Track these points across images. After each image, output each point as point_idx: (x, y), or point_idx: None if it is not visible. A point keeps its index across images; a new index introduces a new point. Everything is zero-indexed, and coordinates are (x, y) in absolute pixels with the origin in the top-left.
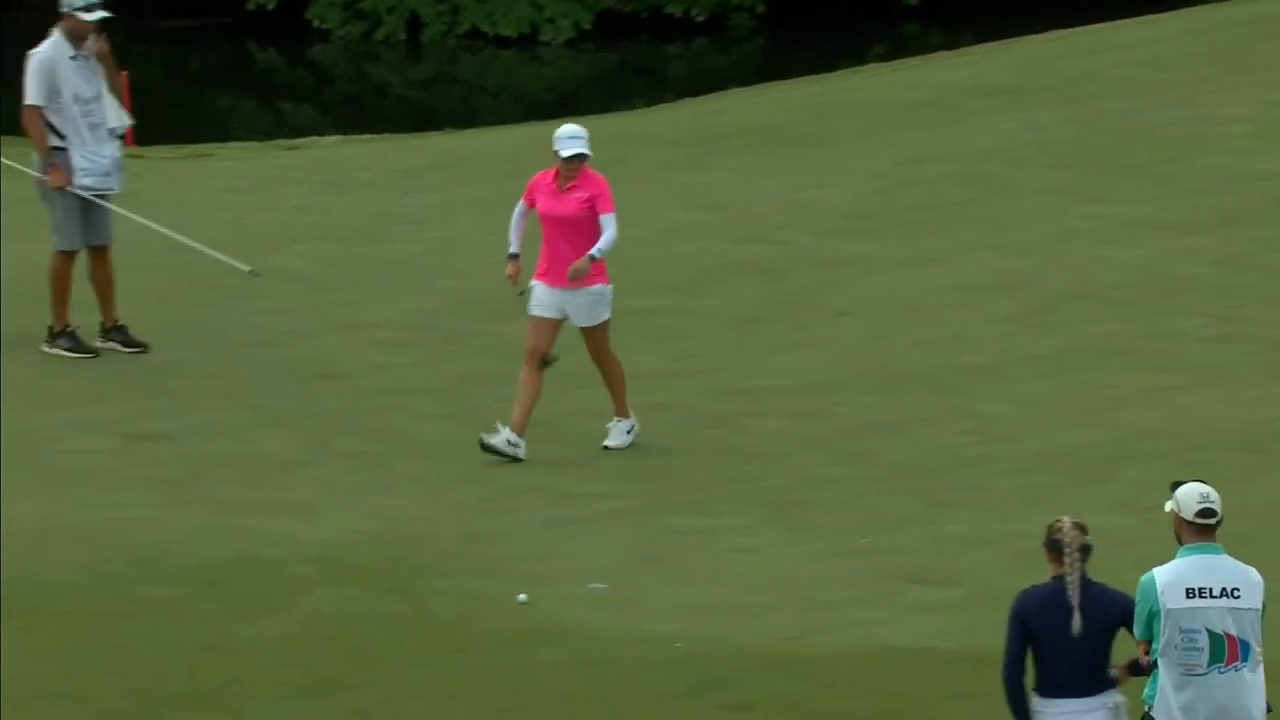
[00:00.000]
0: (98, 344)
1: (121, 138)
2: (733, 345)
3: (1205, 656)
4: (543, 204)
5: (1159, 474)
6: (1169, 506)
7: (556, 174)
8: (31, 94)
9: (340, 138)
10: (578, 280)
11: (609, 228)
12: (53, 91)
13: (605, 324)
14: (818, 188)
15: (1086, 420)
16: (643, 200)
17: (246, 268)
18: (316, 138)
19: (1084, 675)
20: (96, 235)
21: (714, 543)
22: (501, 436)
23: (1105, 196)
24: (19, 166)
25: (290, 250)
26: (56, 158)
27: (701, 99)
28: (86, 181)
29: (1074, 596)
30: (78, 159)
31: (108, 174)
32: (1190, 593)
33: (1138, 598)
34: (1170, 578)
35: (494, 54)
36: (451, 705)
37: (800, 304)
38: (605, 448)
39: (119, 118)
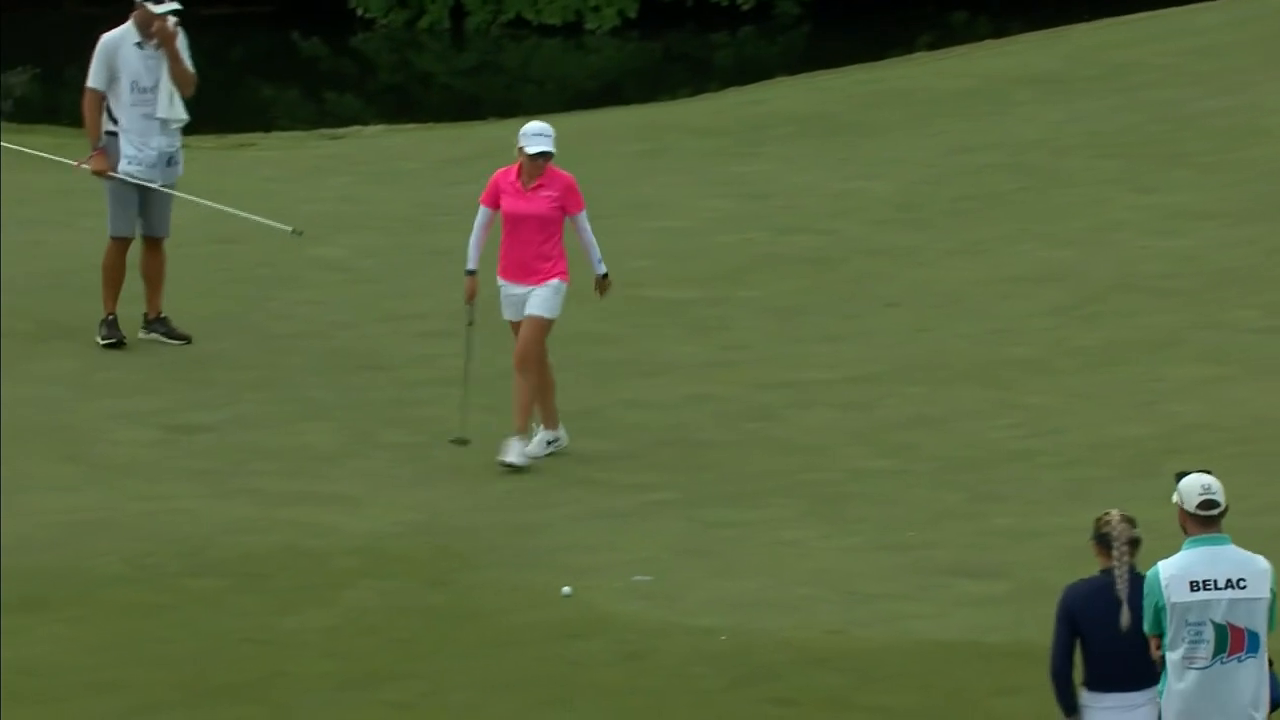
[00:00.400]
0: (140, 334)
1: (177, 130)
2: (777, 336)
3: (1210, 649)
4: (508, 204)
5: (1208, 467)
6: (1174, 498)
7: (519, 172)
8: (91, 77)
9: (384, 127)
10: (606, 292)
11: (586, 230)
12: (112, 77)
13: (551, 322)
14: (863, 178)
15: (1134, 413)
16: (687, 190)
17: (289, 228)
18: (360, 127)
19: (1132, 669)
20: (152, 227)
21: (758, 535)
22: (540, 439)
23: (1153, 186)
24: (19, 148)
25: (334, 241)
26: (106, 143)
27: (747, 88)
28: (130, 169)
29: (1122, 590)
30: (126, 147)
31: (153, 166)
32: (1195, 585)
33: (1144, 592)
34: (1175, 571)
35: (538, 43)
36: (495, 697)
37: (846, 295)
38: (504, 463)
39: (169, 109)
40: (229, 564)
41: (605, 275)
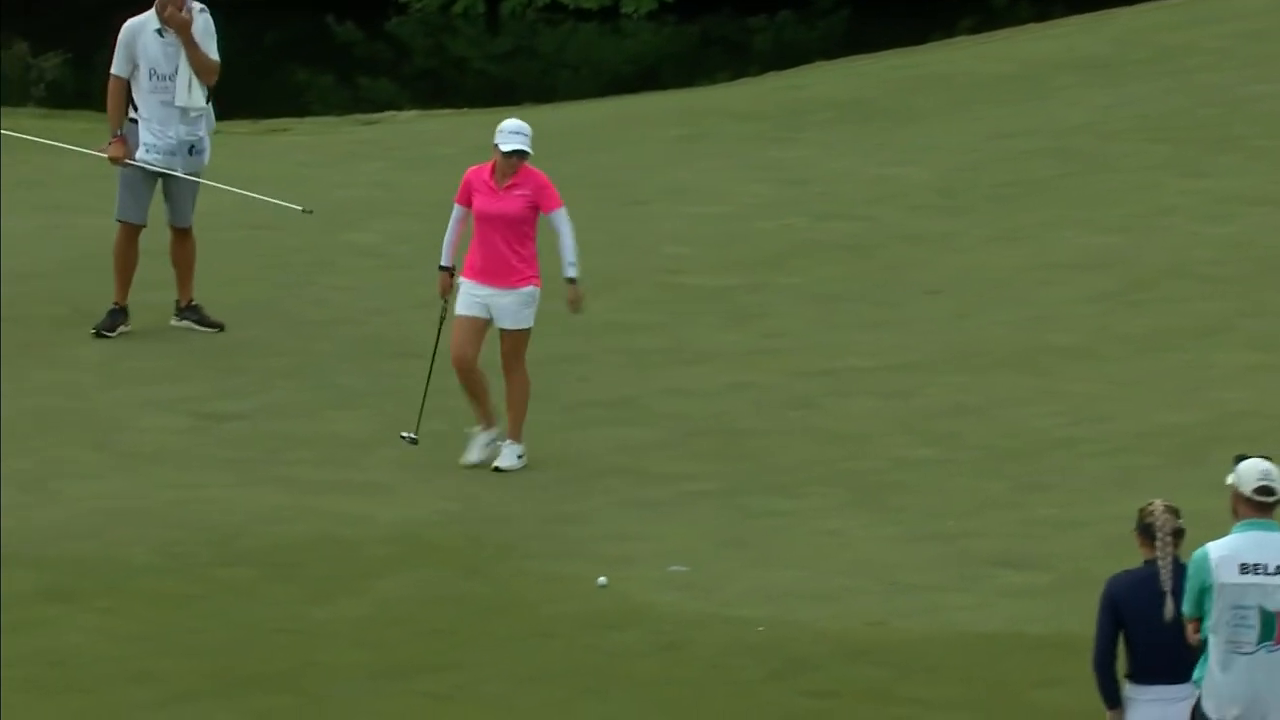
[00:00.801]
0: (173, 322)
1: (199, 118)
2: (818, 324)
3: (1255, 634)
4: (480, 202)
5: (1269, 454)
6: (1229, 480)
7: (493, 170)
8: (113, 63)
9: (418, 113)
10: (580, 309)
11: (564, 227)
12: (133, 64)
13: (529, 331)
14: (904, 163)
15: (1181, 401)
16: (725, 175)
17: (300, 207)
18: (394, 112)
19: (1176, 661)
20: (176, 216)
21: (798, 525)
22: (511, 452)
23: (1203, 171)
24: (18, 135)
25: (367, 226)
26: (127, 130)
27: (785, 73)
28: (147, 156)
29: (1166, 581)
30: (145, 134)
31: (172, 154)
32: (1245, 568)
33: (1190, 572)
34: (1225, 553)
35: (574, 27)
36: (529, 689)
37: (886, 282)
38: (496, 469)
39: (186, 96)
40: (260, 553)
41: (574, 281)
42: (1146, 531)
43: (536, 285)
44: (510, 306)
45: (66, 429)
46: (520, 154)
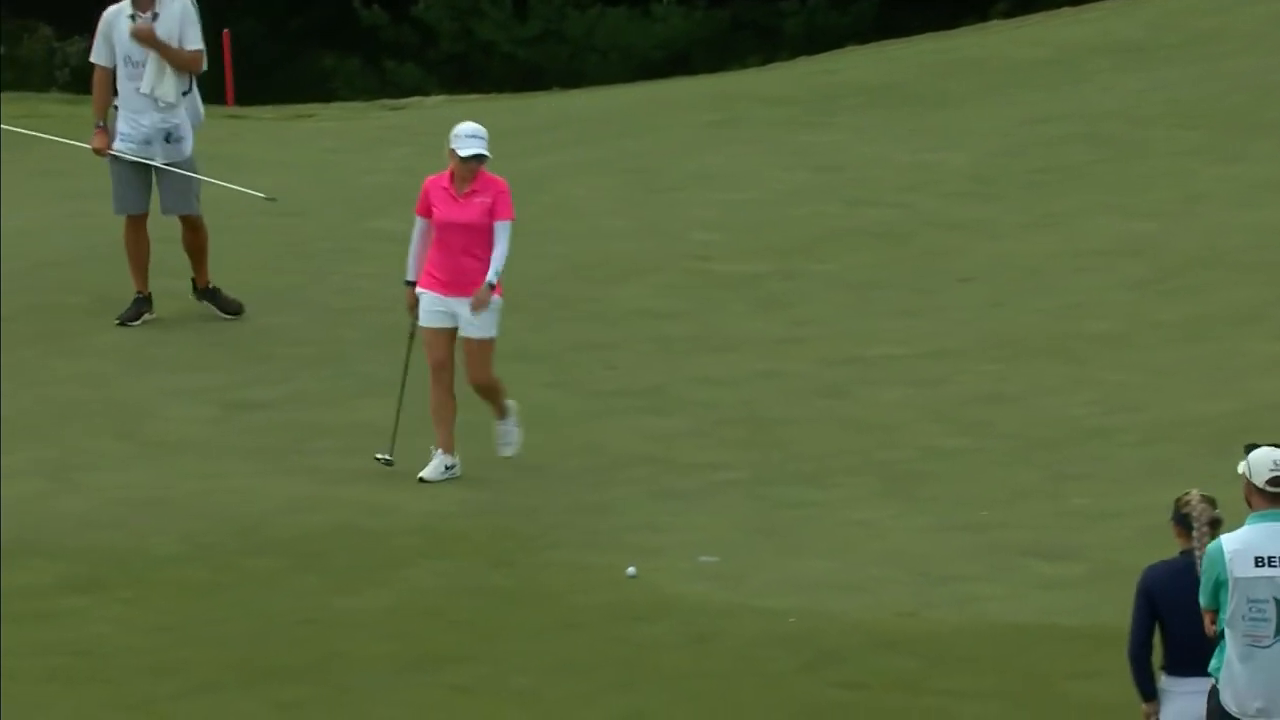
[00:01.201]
0: (193, 297)
1: (183, 108)
2: (849, 311)
3: (1272, 627)
4: (441, 210)
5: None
6: (1241, 469)
7: (451, 176)
8: (93, 52)
9: (445, 98)
10: (482, 309)
11: (501, 241)
12: (111, 52)
13: (494, 341)
14: (937, 149)
15: (1216, 390)
16: (757, 161)
17: (263, 195)
18: (421, 98)
19: (1212, 653)
20: (172, 206)
21: (828, 515)
22: (436, 464)
23: (1237, 157)
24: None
25: (394, 213)
26: (110, 119)
27: (817, 57)
28: (125, 148)
29: None
30: (120, 123)
31: (147, 142)
32: (1259, 561)
33: (1204, 565)
34: (1238, 546)
35: (602, 11)
36: (557, 681)
37: (918, 269)
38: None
39: (152, 84)
40: (286, 543)
41: (494, 286)
42: (1183, 521)
43: (499, 295)
44: (478, 317)
45: (90, 418)
46: (479, 158)
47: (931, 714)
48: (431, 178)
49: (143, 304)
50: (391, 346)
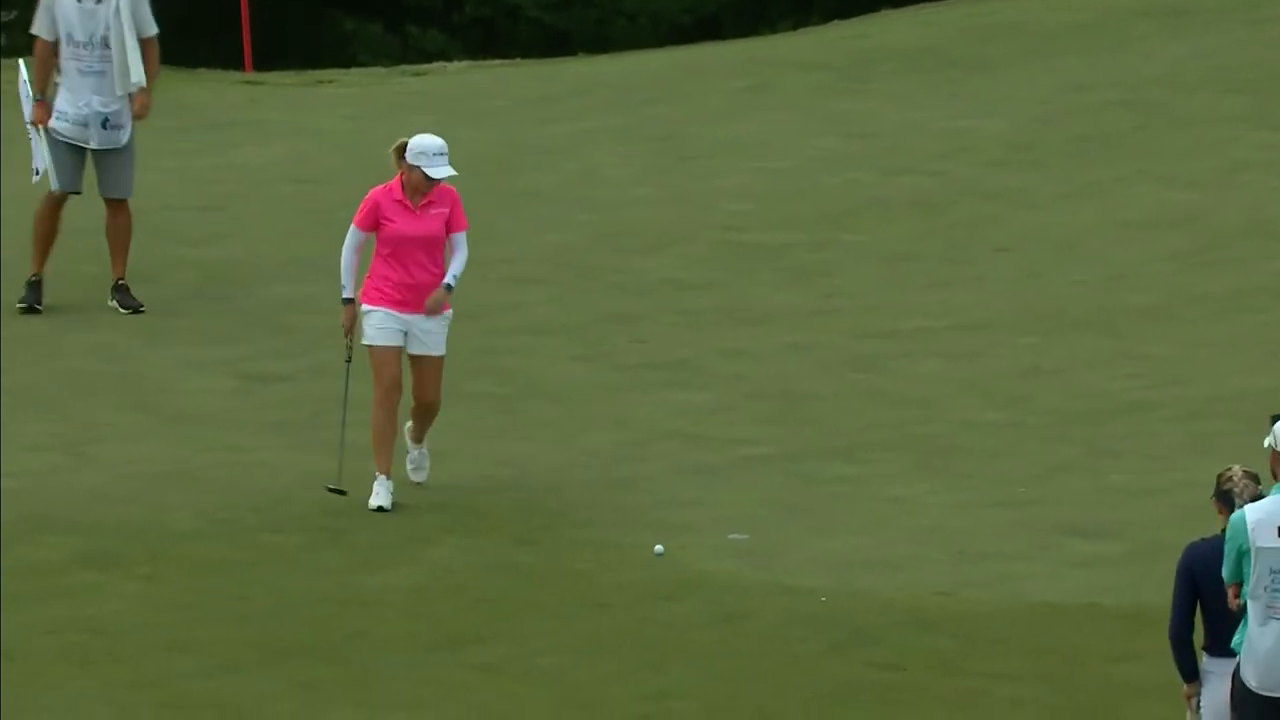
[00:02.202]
0: (110, 303)
1: (125, 96)
2: (883, 283)
3: None
4: (398, 225)
5: None
6: (1267, 442)
7: (402, 189)
8: (34, 24)
9: (469, 64)
10: (436, 312)
11: (461, 250)
12: (53, 24)
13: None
14: (974, 116)
15: (1261, 363)
16: (789, 128)
17: (35, 176)
18: (444, 63)
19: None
20: (105, 187)
21: (862, 492)
22: (385, 488)
23: None
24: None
25: None
26: (50, 95)
27: (851, 21)
28: (57, 125)
29: None
30: (60, 102)
31: (84, 124)
32: None
33: (1227, 535)
34: (1261, 515)
35: None
36: (585, 660)
37: (955, 239)
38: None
39: (122, 80)
40: (308, 519)
41: (450, 289)
42: (1225, 498)
43: (449, 308)
44: (435, 331)
45: (106, 391)
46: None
47: (967, 695)
48: (378, 190)
49: (39, 285)
50: None
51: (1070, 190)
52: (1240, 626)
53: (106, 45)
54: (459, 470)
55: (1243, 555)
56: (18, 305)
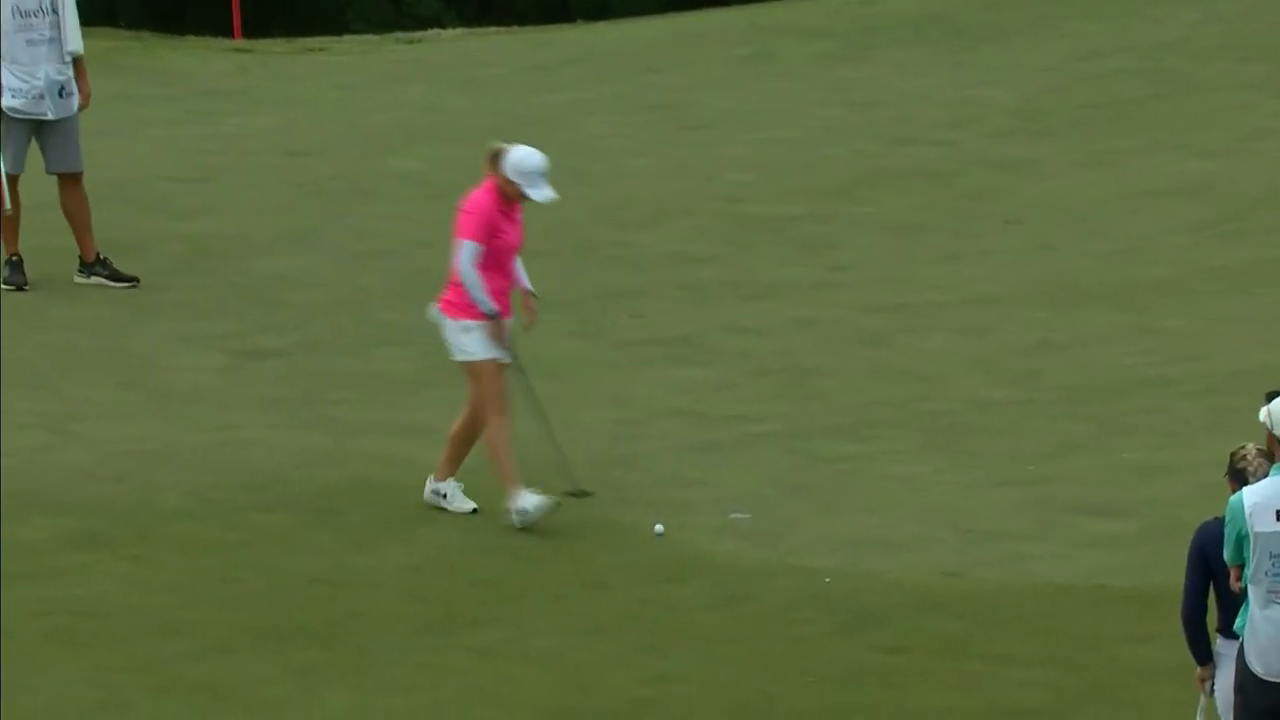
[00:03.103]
0: (77, 279)
1: (73, 62)
2: (889, 255)
3: None
4: (508, 235)
5: None
6: (1261, 418)
7: (501, 197)
8: None
9: (464, 30)
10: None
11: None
12: None
13: None
14: (984, 84)
15: (1278, 338)
16: (793, 97)
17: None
18: (439, 30)
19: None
20: (56, 163)
21: (867, 470)
22: (540, 499)
23: None
24: None
25: (411, 152)
26: None
27: None
28: (13, 103)
29: None
30: (9, 79)
31: (40, 97)
32: None
33: (1226, 518)
34: (1259, 499)
35: None
36: (583, 643)
37: (964, 211)
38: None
39: (70, 40)
40: (300, 499)
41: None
42: (1238, 476)
43: None
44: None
45: (93, 367)
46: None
47: (975, 679)
48: (483, 199)
49: (19, 265)
50: (409, 294)
51: (1082, 160)
52: (1242, 610)
53: (55, 10)
54: None
55: (1242, 539)
56: (4, 286)
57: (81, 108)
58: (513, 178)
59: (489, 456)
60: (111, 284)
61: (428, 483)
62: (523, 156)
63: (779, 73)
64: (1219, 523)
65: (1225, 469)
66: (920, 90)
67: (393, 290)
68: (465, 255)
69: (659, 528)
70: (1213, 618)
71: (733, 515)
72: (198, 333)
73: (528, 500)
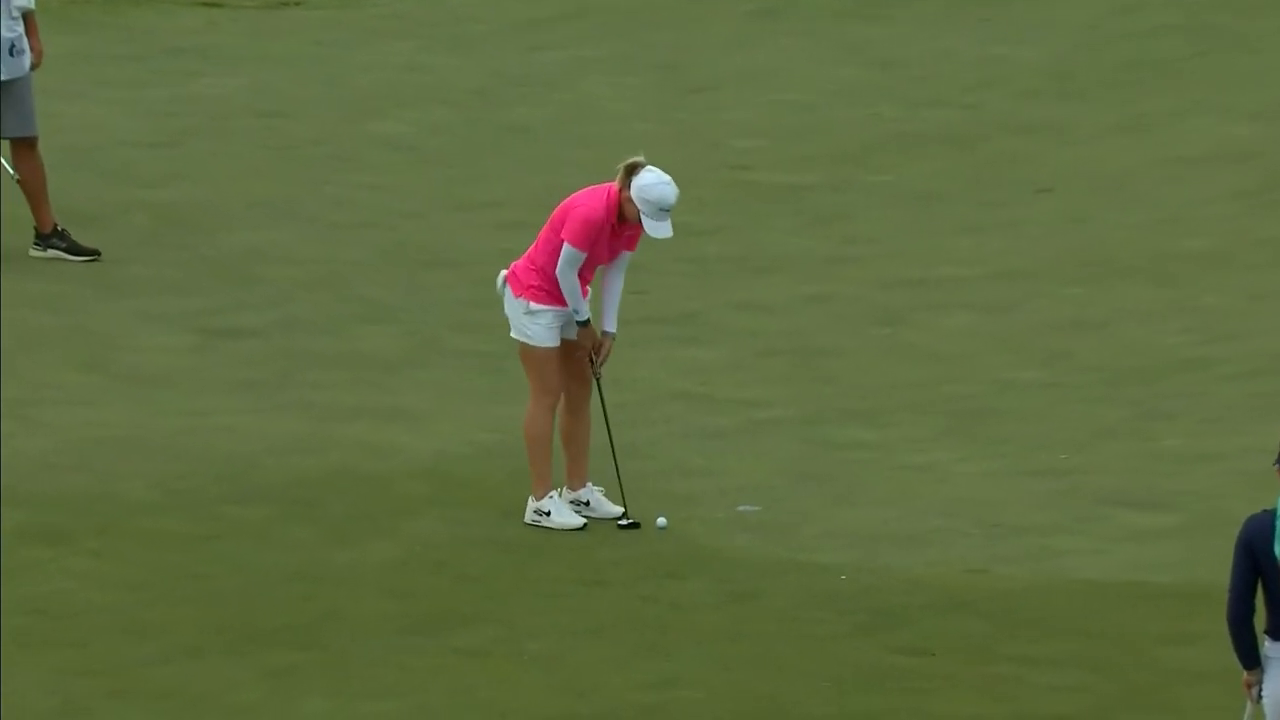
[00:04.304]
0: (33, 252)
1: (23, 17)
2: (909, 227)
3: None
4: (611, 246)
5: None
6: None
7: (620, 214)
8: None
9: None
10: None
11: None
12: None
13: None
14: (1012, 42)
15: None
16: (806, 57)
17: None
18: None
19: None
20: (9, 128)
21: (885, 459)
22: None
23: None
24: None
25: (396, 116)
26: None
27: None
28: None
29: None
30: None
31: None
32: None
33: (1276, 511)
34: None
35: None
36: (580, 645)
37: (989, 179)
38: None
39: None
40: (277, 489)
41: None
42: None
43: None
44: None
45: (53, 347)
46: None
47: (1002, 683)
48: (598, 207)
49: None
50: (393, 268)
51: (1118, 124)
52: None
53: None
54: (441, 434)
55: None
56: (72, 257)
57: (34, 66)
58: (638, 203)
59: (525, 444)
60: (70, 257)
61: (563, 493)
62: (653, 185)
63: (790, 30)
64: (1268, 515)
65: (1274, 457)
66: (942, 49)
67: (375, 264)
68: (567, 261)
69: (661, 520)
70: (1260, 618)
71: (740, 507)
72: (165, 310)
73: (559, 514)
